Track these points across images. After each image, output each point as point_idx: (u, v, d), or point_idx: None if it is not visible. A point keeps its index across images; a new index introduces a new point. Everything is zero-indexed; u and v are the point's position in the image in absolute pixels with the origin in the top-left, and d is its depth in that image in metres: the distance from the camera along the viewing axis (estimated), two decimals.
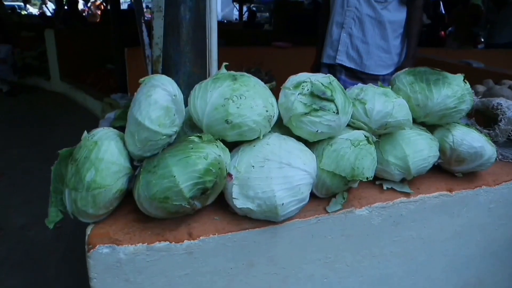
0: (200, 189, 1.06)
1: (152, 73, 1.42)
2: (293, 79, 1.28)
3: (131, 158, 1.16)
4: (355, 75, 2.49)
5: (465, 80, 1.44)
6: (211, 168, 1.06)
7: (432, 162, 1.39)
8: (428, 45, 7.46)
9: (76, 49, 7.15)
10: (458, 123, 1.49)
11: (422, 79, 1.42)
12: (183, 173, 1.03)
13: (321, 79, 1.26)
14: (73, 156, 1.11)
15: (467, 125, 1.53)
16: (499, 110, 1.72)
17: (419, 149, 1.35)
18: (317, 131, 1.21)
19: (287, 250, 1.26)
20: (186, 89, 1.39)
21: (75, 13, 9.50)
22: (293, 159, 1.16)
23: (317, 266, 1.33)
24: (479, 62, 4.51)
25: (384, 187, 1.40)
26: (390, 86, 1.51)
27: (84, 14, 13.21)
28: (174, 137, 1.16)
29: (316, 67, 2.79)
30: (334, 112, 1.21)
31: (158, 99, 1.08)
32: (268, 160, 1.15)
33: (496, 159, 1.46)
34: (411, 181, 1.44)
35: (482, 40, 7.91)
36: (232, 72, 1.27)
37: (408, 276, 1.55)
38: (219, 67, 1.55)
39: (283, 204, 1.12)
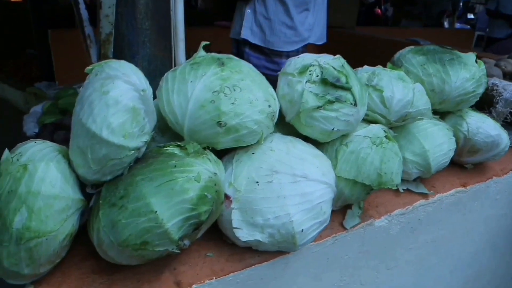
0: (193, 225, 0.74)
1: (99, 58, 1.04)
2: (295, 62, 0.99)
3: (81, 183, 0.80)
4: (260, 50, 2.35)
5: (477, 60, 1.26)
6: (205, 193, 0.75)
7: (451, 157, 1.19)
8: (367, 24, 7.54)
9: None
10: (469, 109, 1.32)
11: (435, 59, 1.21)
12: (168, 206, 0.71)
13: (331, 61, 0.98)
14: None
15: (475, 109, 1.36)
16: (494, 91, 1.59)
17: (439, 142, 1.15)
18: (333, 129, 0.94)
19: (299, 280, 0.99)
20: (147, 78, 1.04)
21: None
22: (308, 168, 0.87)
23: None
24: (425, 40, 4.56)
25: (400, 189, 1.18)
26: None
27: None
28: (144, 149, 0.81)
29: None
30: (351, 104, 0.94)
31: (119, 98, 0.72)
32: (276, 173, 0.85)
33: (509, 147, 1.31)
34: (425, 179, 1.24)
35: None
36: (215, 54, 0.94)
37: (418, 282, 1.38)
38: (187, 49, 1.21)
39: (302, 230, 0.84)
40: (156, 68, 1.04)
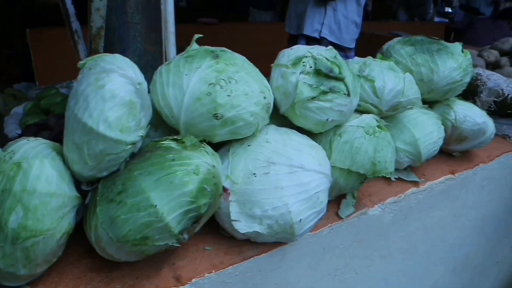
0: (192, 218, 0.74)
1: (89, 54, 1.01)
2: (288, 54, 0.99)
3: (76, 180, 0.79)
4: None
5: (463, 50, 1.29)
6: (205, 186, 0.74)
7: (440, 145, 1.22)
8: None
9: None
10: (455, 98, 1.35)
11: (423, 50, 1.23)
12: (167, 200, 0.70)
13: (323, 52, 0.98)
14: None
15: (461, 99, 1.39)
16: (478, 81, 1.63)
17: (428, 131, 1.17)
18: (327, 119, 0.95)
19: (296, 271, 1.00)
20: None
21: None
22: (305, 159, 0.88)
23: (327, 282, 1.10)
24: (407, 33, 4.64)
25: (392, 178, 1.19)
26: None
27: None
28: (139, 144, 0.80)
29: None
30: (345, 94, 0.95)
31: (115, 91, 0.71)
32: (273, 164, 0.86)
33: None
34: (415, 168, 1.27)
35: None
36: (208, 47, 0.93)
37: (410, 269, 1.41)
38: (178, 43, 1.19)
39: (300, 220, 0.85)
40: (147, 63, 1.03)
